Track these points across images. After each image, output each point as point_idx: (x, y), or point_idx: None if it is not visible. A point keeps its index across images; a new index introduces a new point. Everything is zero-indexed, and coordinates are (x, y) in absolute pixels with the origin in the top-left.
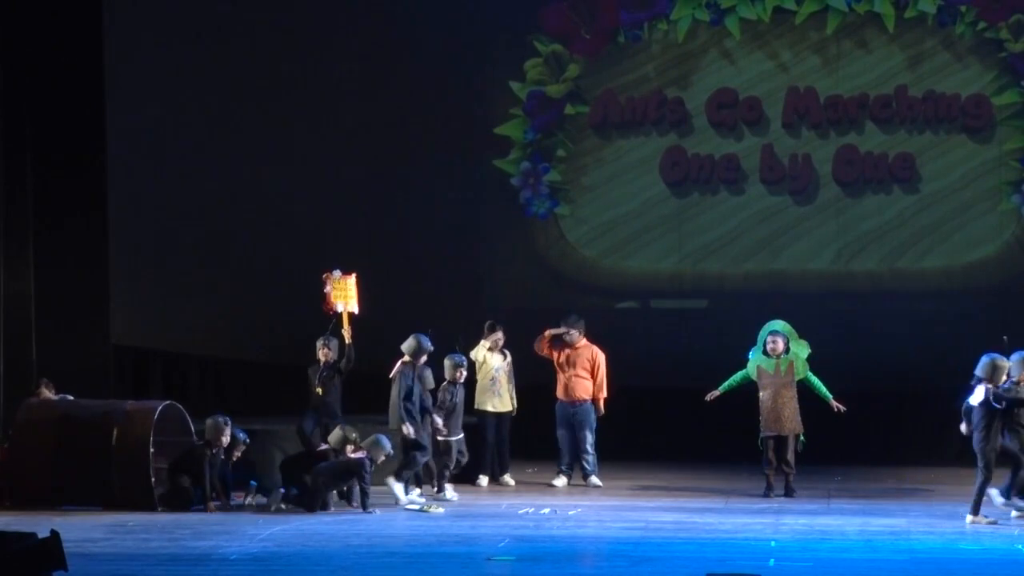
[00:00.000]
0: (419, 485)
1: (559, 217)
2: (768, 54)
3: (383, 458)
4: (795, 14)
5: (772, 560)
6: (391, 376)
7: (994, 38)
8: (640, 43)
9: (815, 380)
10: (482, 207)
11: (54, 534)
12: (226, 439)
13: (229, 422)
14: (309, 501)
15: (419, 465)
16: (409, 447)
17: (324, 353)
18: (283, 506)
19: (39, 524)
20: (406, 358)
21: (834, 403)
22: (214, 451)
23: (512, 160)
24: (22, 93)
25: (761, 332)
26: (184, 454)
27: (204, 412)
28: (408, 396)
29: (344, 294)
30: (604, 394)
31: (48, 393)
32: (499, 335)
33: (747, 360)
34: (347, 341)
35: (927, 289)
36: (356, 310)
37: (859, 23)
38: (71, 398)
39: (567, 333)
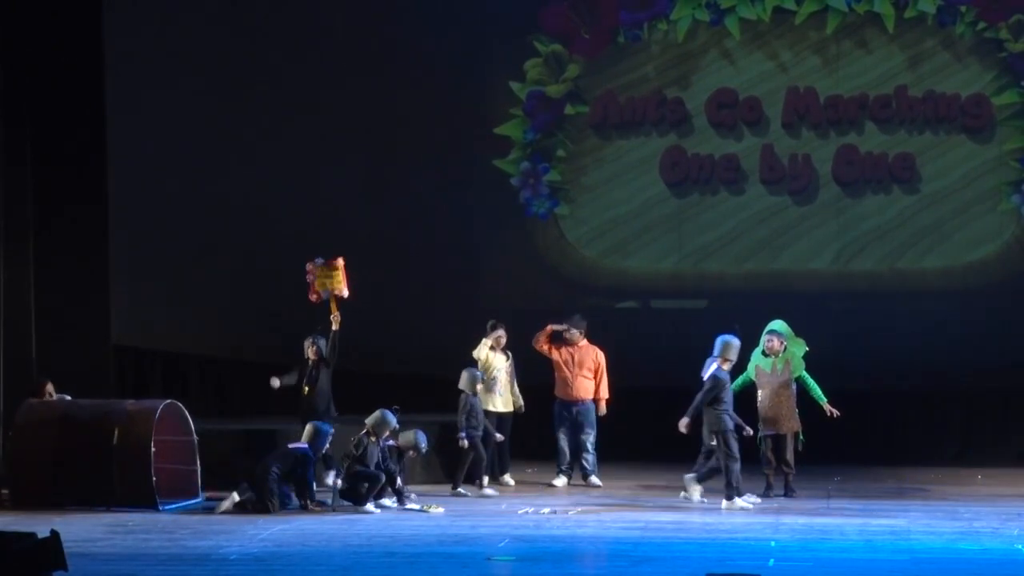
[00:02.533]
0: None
1: (559, 217)
2: (768, 54)
3: (412, 454)
4: (795, 14)
5: (772, 560)
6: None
7: (994, 38)
8: (640, 43)
9: (811, 382)
10: (482, 207)
11: (54, 534)
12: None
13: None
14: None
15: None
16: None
17: (313, 352)
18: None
19: (39, 524)
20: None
21: (827, 407)
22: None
23: (512, 160)
24: (22, 93)
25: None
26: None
27: (204, 412)
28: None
29: (330, 280)
30: (606, 395)
31: (50, 393)
32: (500, 333)
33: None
34: (334, 327)
35: (927, 289)
36: (345, 294)
37: (859, 23)
38: (68, 398)
39: (567, 331)
